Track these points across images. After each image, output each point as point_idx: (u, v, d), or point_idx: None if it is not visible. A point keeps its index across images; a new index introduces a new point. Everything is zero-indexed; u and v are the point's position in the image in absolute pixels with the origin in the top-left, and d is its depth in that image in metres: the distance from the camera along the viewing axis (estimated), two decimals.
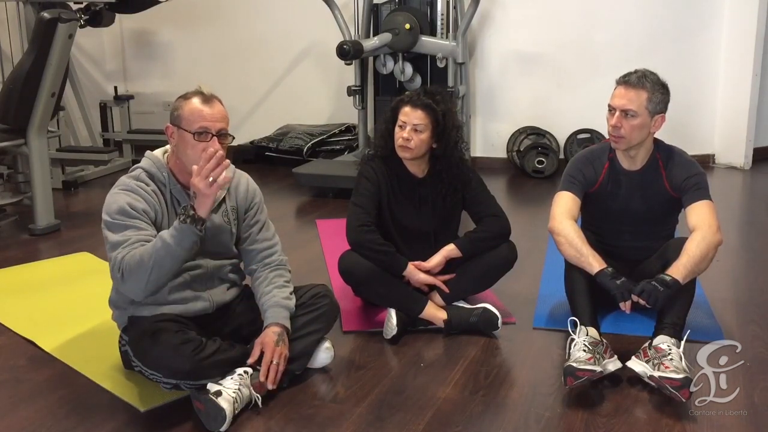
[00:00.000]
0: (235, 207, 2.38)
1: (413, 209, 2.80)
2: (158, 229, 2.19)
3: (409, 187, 2.79)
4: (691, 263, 2.38)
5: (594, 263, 2.46)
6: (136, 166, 2.28)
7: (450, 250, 2.72)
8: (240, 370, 2.14)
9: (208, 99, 2.21)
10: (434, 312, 2.66)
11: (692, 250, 2.40)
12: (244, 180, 2.43)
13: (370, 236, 2.65)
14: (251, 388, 2.12)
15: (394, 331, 2.58)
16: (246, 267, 2.44)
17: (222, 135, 2.20)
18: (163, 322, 2.14)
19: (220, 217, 2.32)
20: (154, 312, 2.20)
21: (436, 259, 2.70)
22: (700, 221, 2.48)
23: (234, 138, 2.27)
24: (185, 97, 2.23)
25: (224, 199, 2.34)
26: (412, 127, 2.68)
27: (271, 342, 2.20)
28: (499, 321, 2.63)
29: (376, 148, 2.85)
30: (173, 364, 2.05)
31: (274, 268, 2.39)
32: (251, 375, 2.15)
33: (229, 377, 2.11)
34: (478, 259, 2.74)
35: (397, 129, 2.72)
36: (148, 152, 2.31)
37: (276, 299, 2.30)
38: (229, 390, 2.06)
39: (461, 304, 2.72)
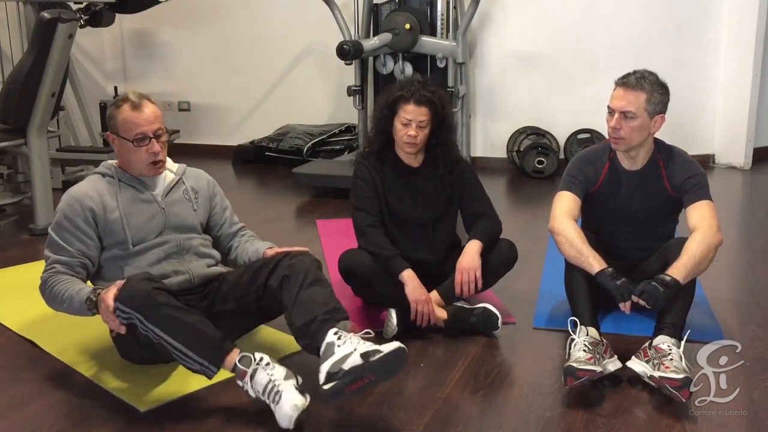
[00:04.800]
0: (195, 189, 2.50)
1: (410, 198, 2.81)
2: (107, 214, 2.31)
3: (405, 177, 2.82)
4: (692, 263, 2.37)
5: (594, 263, 2.46)
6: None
7: (474, 248, 2.68)
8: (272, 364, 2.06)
9: (137, 105, 2.31)
10: (436, 312, 2.65)
11: (692, 250, 2.40)
12: (200, 171, 2.58)
13: (377, 238, 2.68)
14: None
15: (395, 332, 2.58)
16: (224, 248, 2.56)
17: (159, 135, 2.33)
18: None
19: (180, 194, 2.46)
20: None
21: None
22: (700, 221, 2.48)
23: (171, 134, 2.46)
24: (116, 105, 2.34)
25: (181, 180, 2.48)
26: (417, 123, 2.70)
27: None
28: (499, 321, 2.63)
29: (372, 144, 2.85)
30: (134, 284, 2.07)
31: (252, 237, 2.59)
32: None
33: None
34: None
35: (399, 126, 2.73)
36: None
37: (265, 243, 2.49)
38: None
39: (461, 304, 2.72)
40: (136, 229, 2.33)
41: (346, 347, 1.96)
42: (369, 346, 1.96)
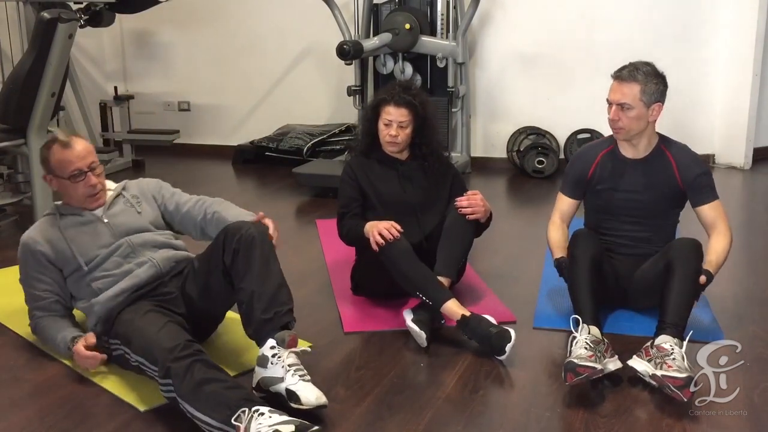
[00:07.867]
0: (136, 195, 2.58)
1: (397, 183, 2.95)
2: (55, 248, 2.42)
3: (392, 166, 2.99)
4: (720, 260, 2.59)
5: (557, 253, 2.70)
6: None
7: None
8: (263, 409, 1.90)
9: (66, 144, 2.41)
10: (455, 308, 2.56)
11: (718, 247, 2.60)
12: (142, 179, 2.69)
13: (349, 221, 2.88)
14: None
15: (425, 337, 2.52)
16: (197, 234, 2.60)
17: (93, 168, 2.44)
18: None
19: (120, 205, 2.54)
20: (113, 295, 2.34)
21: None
22: (717, 221, 2.65)
23: (103, 165, 2.51)
24: (47, 147, 2.44)
25: (120, 194, 2.57)
26: (398, 124, 2.89)
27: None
28: (509, 346, 2.44)
29: (359, 144, 3.06)
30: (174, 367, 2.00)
31: (216, 212, 2.56)
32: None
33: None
34: (445, 232, 2.80)
35: (382, 126, 2.93)
36: None
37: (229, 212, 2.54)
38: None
39: (487, 316, 2.57)
40: (84, 249, 2.42)
41: (276, 370, 2.09)
42: (296, 381, 2.06)
